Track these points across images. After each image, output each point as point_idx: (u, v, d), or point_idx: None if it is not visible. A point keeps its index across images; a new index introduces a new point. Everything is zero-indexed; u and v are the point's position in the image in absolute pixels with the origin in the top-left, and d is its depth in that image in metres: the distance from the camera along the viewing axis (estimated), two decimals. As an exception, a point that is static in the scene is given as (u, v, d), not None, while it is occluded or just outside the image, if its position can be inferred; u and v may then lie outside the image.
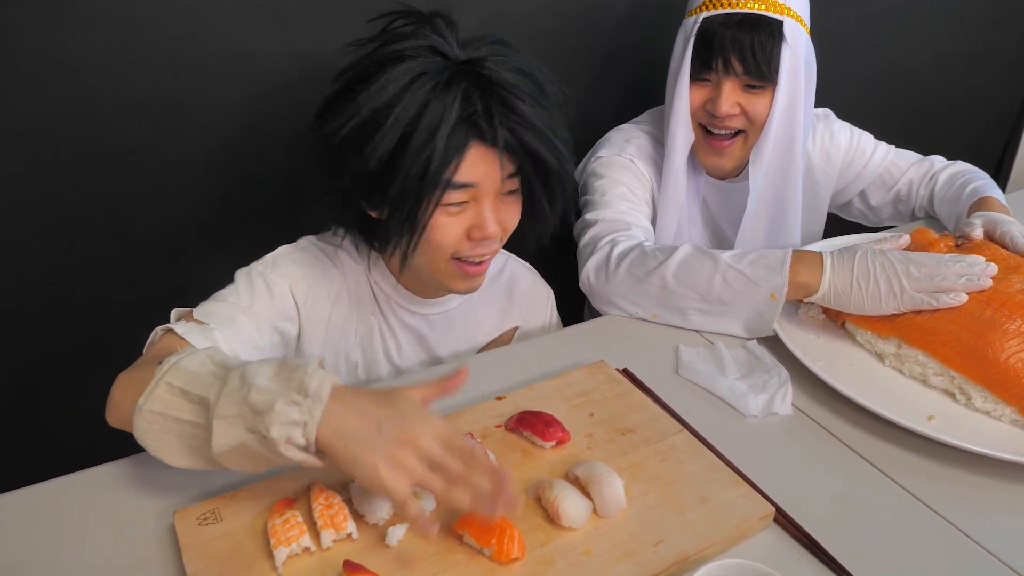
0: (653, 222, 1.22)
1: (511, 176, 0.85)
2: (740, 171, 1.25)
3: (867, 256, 0.91)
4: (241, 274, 0.90)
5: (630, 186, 1.17)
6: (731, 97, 1.09)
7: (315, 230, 0.99)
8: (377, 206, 0.86)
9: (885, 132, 1.35)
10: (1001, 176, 2.07)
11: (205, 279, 0.90)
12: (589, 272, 1.05)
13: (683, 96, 1.12)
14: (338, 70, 0.87)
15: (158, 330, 0.80)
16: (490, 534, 0.66)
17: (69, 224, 1.05)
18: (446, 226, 0.85)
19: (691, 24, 1.09)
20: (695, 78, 1.11)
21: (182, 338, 0.77)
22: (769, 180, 1.18)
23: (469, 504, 0.62)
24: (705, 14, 1.08)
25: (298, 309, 0.93)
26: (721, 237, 1.30)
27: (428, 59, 0.81)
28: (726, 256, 0.97)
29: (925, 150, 1.35)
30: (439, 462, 0.62)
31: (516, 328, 1.09)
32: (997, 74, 1.91)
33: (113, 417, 0.74)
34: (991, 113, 1.99)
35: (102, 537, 0.70)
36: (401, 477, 0.60)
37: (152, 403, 0.65)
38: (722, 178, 1.25)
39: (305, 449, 0.62)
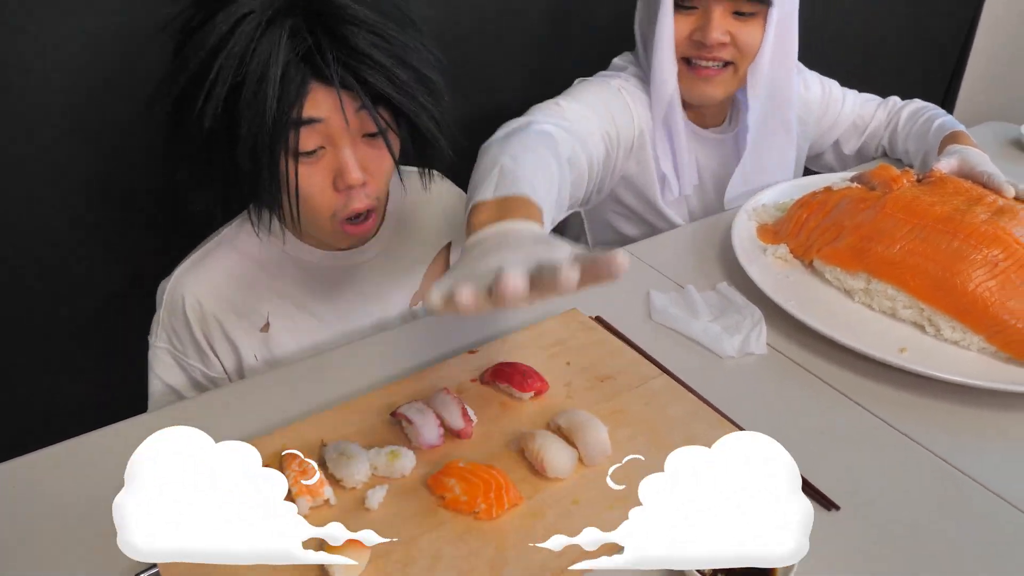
0: (634, 166, 1.14)
1: (365, 110, 0.77)
2: (723, 118, 1.20)
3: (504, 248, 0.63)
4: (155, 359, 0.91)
5: (606, 102, 1.06)
6: (721, 23, 1.03)
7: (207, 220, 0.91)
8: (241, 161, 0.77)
9: (829, 73, 1.35)
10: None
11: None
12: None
13: (667, 26, 1.04)
14: (165, 19, 0.77)
15: None
16: (475, 491, 0.64)
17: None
18: (308, 179, 0.79)
19: None
20: (678, 6, 1.04)
21: None
22: (764, 116, 1.13)
23: None
24: None
25: (215, 350, 0.92)
26: (705, 189, 1.22)
27: None
28: (506, 159, 0.76)
29: (869, 90, 1.35)
30: None
31: (449, 244, 1.04)
32: (939, 11, 1.93)
33: None
34: (934, 51, 2.01)
35: (65, 519, 0.65)
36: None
37: None
38: (704, 126, 1.18)
39: None
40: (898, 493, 0.69)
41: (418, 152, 0.86)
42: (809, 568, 0.61)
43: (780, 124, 1.16)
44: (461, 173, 0.87)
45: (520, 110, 1.00)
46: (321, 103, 0.76)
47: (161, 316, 0.90)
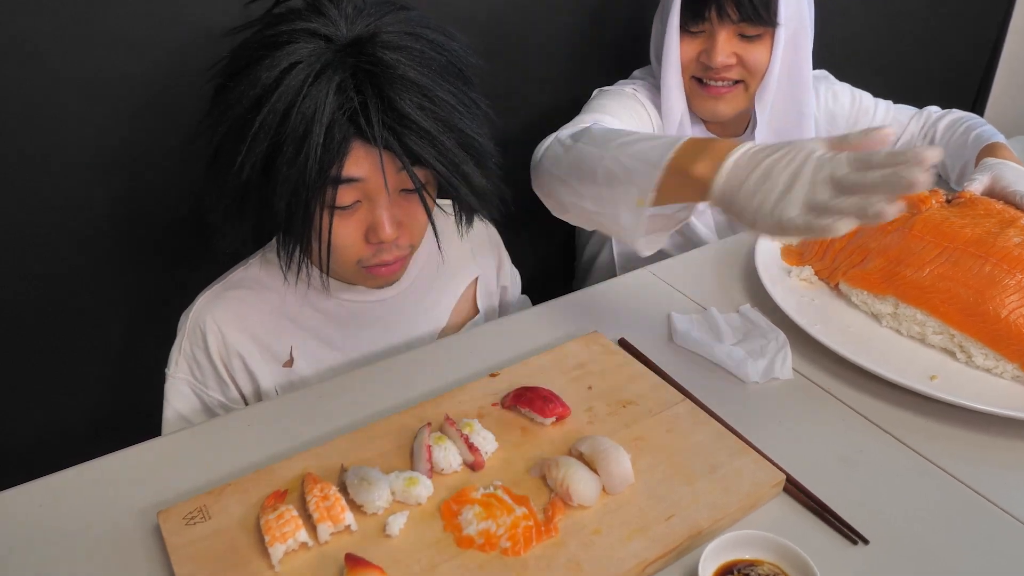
0: None
1: (405, 170, 0.75)
2: (744, 127, 1.20)
3: (790, 153, 0.65)
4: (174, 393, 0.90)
5: (625, 114, 1.09)
6: (726, 47, 1.05)
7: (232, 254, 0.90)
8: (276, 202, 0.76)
9: (856, 85, 1.33)
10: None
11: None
12: (536, 156, 0.94)
13: (674, 50, 1.07)
14: (212, 64, 0.76)
15: None
16: (495, 533, 0.63)
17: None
18: (340, 229, 0.77)
19: None
20: (686, 30, 1.06)
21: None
22: (776, 133, 1.14)
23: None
24: None
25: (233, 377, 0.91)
26: None
27: (304, 44, 0.71)
28: (621, 139, 0.80)
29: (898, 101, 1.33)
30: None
31: (476, 279, 1.03)
32: (964, 24, 1.91)
33: None
34: (958, 64, 1.98)
35: (80, 544, 0.65)
36: None
37: None
38: (725, 135, 1.19)
39: None
40: (930, 527, 0.68)
41: (457, 208, 0.84)
42: (838, 605, 0.59)
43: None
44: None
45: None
46: (362, 162, 0.74)
47: (183, 346, 0.89)
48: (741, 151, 0.69)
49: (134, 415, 0.94)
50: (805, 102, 1.14)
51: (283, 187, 0.73)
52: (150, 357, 0.94)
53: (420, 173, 0.76)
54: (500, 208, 0.84)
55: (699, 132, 1.18)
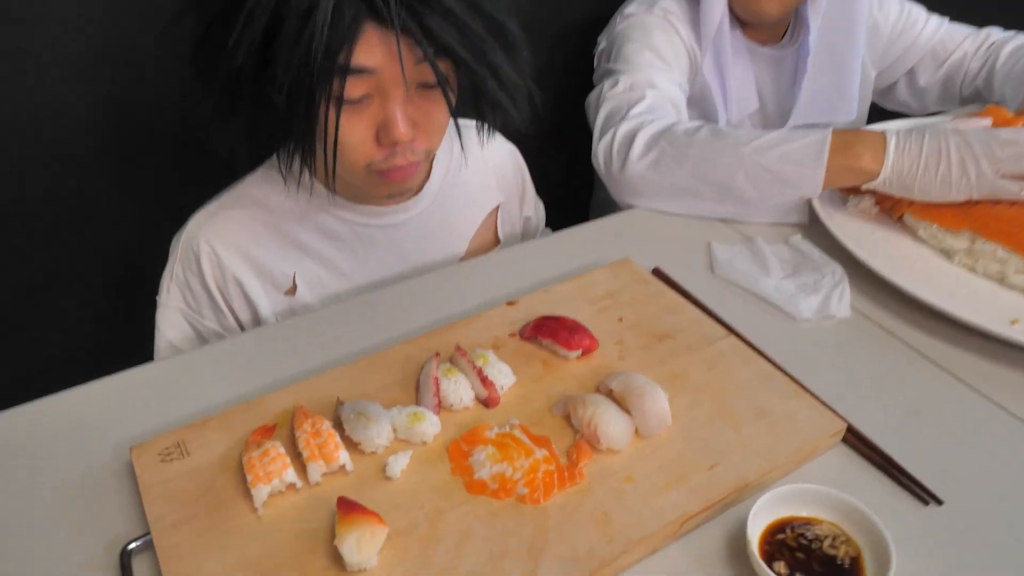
0: (696, 90, 1.09)
1: (425, 61, 0.65)
2: (783, 33, 1.13)
3: (940, 135, 0.79)
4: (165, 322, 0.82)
5: (659, 50, 1.03)
6: None
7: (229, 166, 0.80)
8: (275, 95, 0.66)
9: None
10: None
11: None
12: (600, 156, 0.93)
13: None
14: None
15: None
16: (511, 480, 0.55)
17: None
18: (348, 126, 0.68)
19: None
20: None
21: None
22: (824, 39, 1.08)
23: None
24: None
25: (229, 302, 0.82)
26: (767, 112, 1.17)
27: None
28: (751, 146, 0.83)
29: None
30: None
31: (498, 207, 0.94)
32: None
33: None
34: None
35: (47, 480, 0.58)
36: None
37: None
38: (763, 42, 1.12)
39: None
40: (1011, 486, 0.59)
41: (480, 110, 0.74)
42: (908, 572, 0.51)
43: (845, 46, 1.11)
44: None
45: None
46: (374, 49, 0.64)
47: (175, 271, 0.81)
48: (893, 141, 0.80)
49: (125, 346, 0.86)
50: (858, 8, 1.09)
51: (283, 73, 0.63)
52: (141, 284, 0.86)
53: (441, 65, 0.65)
54: (529, 112, 0.73)
55: (737, 37, 1.10)
